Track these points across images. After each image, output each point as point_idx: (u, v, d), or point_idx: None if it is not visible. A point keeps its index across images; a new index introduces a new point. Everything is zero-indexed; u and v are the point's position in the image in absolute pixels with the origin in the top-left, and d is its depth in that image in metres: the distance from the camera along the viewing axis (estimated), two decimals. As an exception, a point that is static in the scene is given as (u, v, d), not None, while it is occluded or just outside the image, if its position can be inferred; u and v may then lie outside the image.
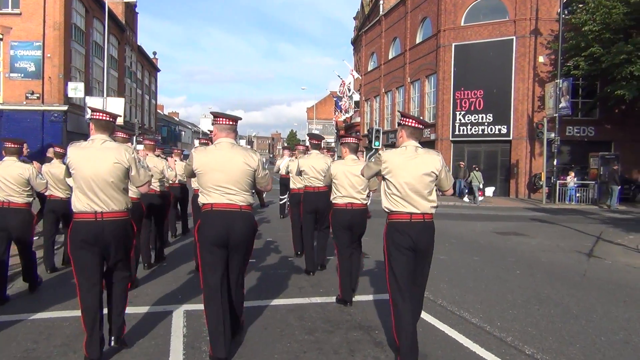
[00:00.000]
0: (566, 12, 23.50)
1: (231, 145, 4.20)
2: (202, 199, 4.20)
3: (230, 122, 4.26)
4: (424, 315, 5.32)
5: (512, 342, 4.65)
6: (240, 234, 4.10)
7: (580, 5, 23.37)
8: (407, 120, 4.11)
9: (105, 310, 4.20)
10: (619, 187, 21.19)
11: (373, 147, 24.51)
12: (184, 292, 6.13)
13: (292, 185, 9.14)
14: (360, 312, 5.47)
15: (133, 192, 5.52)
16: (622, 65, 20.57)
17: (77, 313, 4.08)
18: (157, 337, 4.62)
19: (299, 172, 7.62)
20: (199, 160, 4.17)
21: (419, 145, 4.10)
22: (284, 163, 13.16)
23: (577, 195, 22.92)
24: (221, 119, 4.25)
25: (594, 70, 22.50)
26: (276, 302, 5.86)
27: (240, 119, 4.46)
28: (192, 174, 4.34)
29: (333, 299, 5.97)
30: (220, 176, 4.07)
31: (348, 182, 5.92)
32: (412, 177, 3.95)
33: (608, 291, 6.77)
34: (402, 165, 3.98)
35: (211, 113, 4.42)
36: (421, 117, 30.81)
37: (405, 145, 4.08)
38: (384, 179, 4.12)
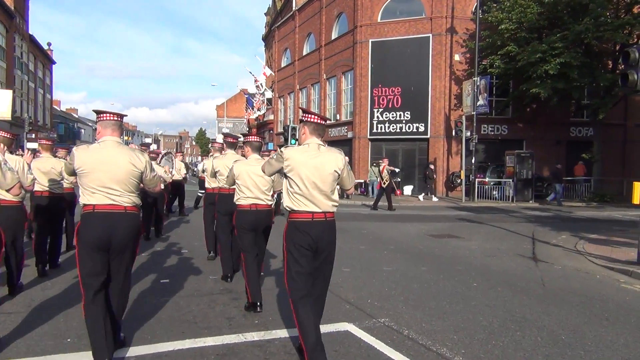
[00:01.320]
0: (480, 11, 23.54)
1: (117, 144, 4.06)
2: (83, 200, 3.95)
3: (115, 118, 4.12)
4: (393, 354, 4.21)
5: (517, 392, 3.61)
6: (123, 236, 3.93)
7: (494, 5, 23.55)
8: (309, 116, 4.02)
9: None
10: (561, 185, 21.57)
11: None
12: (75, 331, 4.60)
13: (206, 185, 8.67)
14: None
15: (13, 196, 5.13)
16: (537, 64, 20.79)
17: None
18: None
19: (214, 173, 7.21)
20: (81, 159, 3.94)
21: (322, 143, 4.02)
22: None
23: (495, 193, 23.04)
24: (105, 115, 4.09)
25: (509, 69, 22.68)
26: (200, 342, 4.49)
27: (126, 115, 4.32)
28: (73, 173, 4.09)
29: (273, 334, 4.73)
30: (104, 176, 3.90)
31: (252, 182, 5.69)
32: (315, 175, 3.86)
33: (580, 306, 6.00)
34: (305, 163, 3.87)
35: (94, 111, 4.29)
36: (338, 115, 30.23)
37: (308, 143, 3.98)
38: (285, 177, 3.98)
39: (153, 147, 27.14)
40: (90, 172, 3.90)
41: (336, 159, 3.95)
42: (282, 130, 32.36)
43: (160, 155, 11.77)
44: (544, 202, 21.66)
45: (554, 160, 25.61)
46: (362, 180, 25.60)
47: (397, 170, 21.84)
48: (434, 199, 23.03)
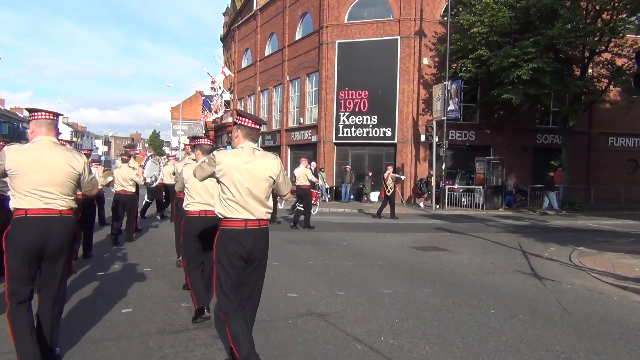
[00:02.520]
0: (450, 14, 23.01)
1: (53, 144, 3.88)
2: (14, 203, 3.73)
3: (51, 117, 3.95)
4: None
5: None
6: (58, 241, 3.74)
7: (461, 9, 23.11)
8: (243, 119, 3.87)
9: None
10: (555, 192, 21.10)
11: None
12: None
13: (177, 189, 7.79)
14: None
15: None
16: (509, 69, 20.37)
17: None
18: None
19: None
20: (14, 160, 3.69)
21: (257, 147, 3.89)
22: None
23: (464, 200, 22.49)
24: (39, 114, 3.91)
25: (480, 73, 22.22)
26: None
27: (61, 114, 4.13)
28: (2, 175, 3.79)
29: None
30: (39, 178, 3.70)
31: (202, 187, 5.46)
32: (248, 181, 3.70)
33: (623, 340, 5.15)
34: (238, 168, 3.70)
35: (26, 109, 4.15)
36: (301, 119, 29.18)
37: (241, 147, 3.82)
38: (218, 182, 3.79)
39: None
40: (24, 174, 3.68)
41: (271, 164, 3.84)
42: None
43: (145, 158, 10.79)
44: (537, 212, 21.20)
45: (521, 167, 25.41)
46: (329, 186, 24.86)
47: (402, 177, 21.18)
48: (421, 204, 22.61)
